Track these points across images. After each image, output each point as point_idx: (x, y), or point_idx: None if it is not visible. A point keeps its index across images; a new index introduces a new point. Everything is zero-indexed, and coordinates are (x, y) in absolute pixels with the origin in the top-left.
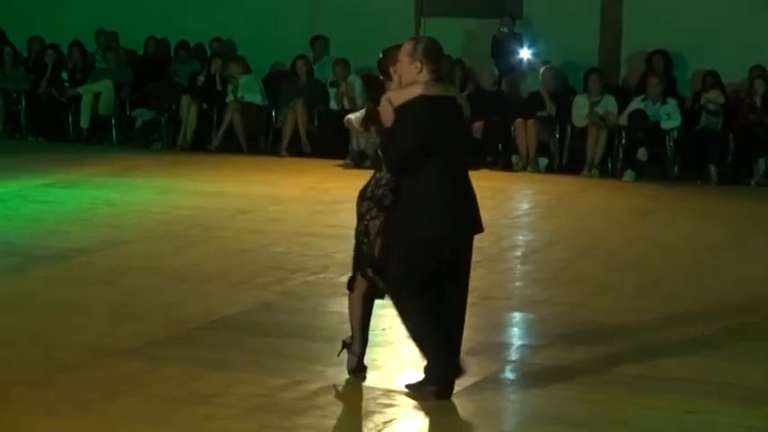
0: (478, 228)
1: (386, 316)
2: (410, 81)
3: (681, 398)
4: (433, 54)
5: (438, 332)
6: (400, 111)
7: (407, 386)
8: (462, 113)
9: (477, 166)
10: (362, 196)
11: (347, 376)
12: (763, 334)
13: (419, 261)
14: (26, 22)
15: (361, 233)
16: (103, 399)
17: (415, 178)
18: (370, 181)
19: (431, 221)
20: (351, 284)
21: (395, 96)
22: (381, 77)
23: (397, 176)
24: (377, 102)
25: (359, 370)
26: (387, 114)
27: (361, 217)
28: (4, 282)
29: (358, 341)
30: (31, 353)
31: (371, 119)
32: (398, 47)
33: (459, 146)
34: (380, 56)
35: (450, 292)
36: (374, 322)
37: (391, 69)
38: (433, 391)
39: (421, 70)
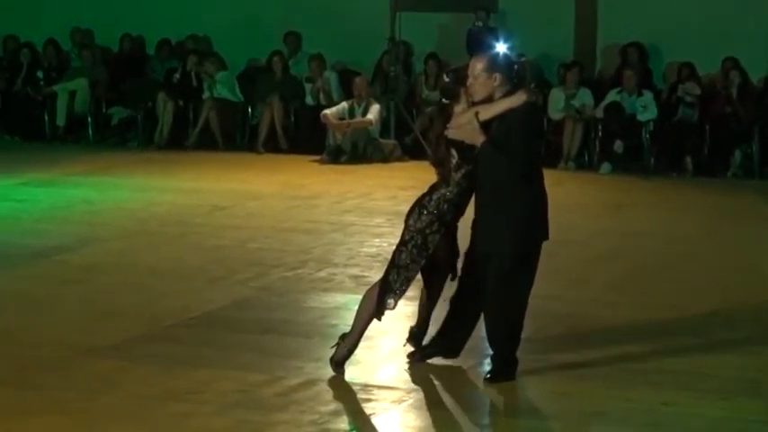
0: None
1: None
2: (487, 95)
3: (656, 389)
4: (505, 64)
5: None
6: (503, 121)
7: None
8: None
9: None
10: (423, 209)
11: (327, 372)
12: (737, 324)
13: (534, 262)
14: (0, 22)
15: (417, 246)
16: (80, 398)
17: (533, 183)
18: (426, 194)
19: (544, 224)
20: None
21: (485, 111)
22: (445, 101)
23: (518, 181)
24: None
25: (342, 363)
26: (472, 129)
27: (419, 231)
28: None
29: (355, 341)
30: (5, 352)
31: (441, 116)
32: (464, 67)
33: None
34: (446, 79)
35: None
36: (353, 317)
37: (462, 91)
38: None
39: (500, 82)
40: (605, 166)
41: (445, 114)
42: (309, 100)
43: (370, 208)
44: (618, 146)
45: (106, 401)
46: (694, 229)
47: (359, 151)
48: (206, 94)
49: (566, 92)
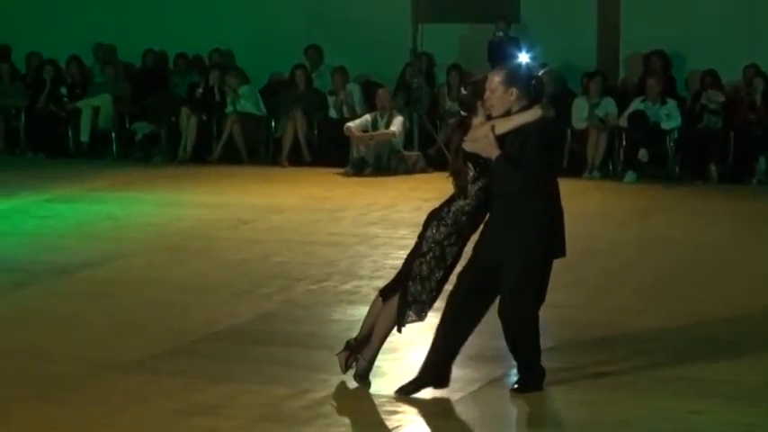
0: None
1: None
2: (504, 109)
3: (683, 398)
4: (523, 78)
5: None
6: (518, 136)
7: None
8: None
9: None
10: (440, 221)
11: (352, 384)
12: (764, 332)
13: (544, 277)
14: (24, 38)
15: (435, 257)
16: (106, 413)
17: (547, 198)
18: (444, 206)
19: (558, 240)
20: (388, 294)
21: (501, 125)
22: (463, 113)
23: (531, 196)
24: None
25: (366, 376)
26: (488, 143)
27: (437, 243)
28: (5, 297)
29: (374, 352)
30: (32, 368)
31: (459, 129)
32: (482, 80)
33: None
34: (464, 92)
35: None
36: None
37: (479, 104)
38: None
39: (518, 97)
40: (630, 175)
41: (463, 127)
42: (332, 113)
43: (394, 220)
44: (642, 154)
45: (132, 416)
46: (720, 236)
47: (382, 163)
48: (229, 109)
49: (589, 101)
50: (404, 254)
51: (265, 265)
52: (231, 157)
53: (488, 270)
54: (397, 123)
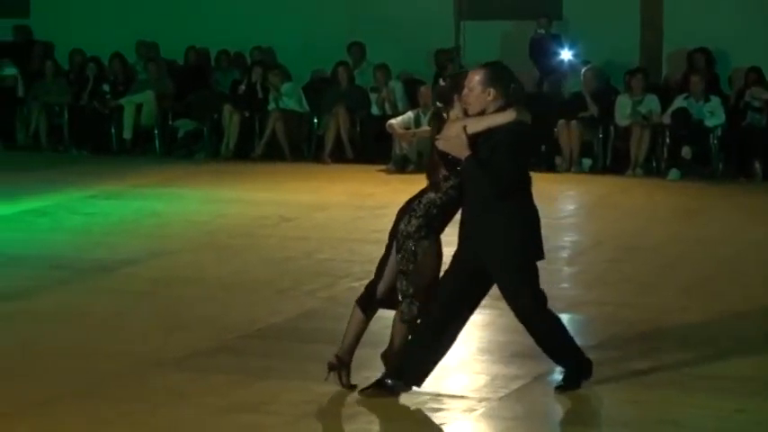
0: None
1: None
2: (480, 108)
3: (730, 396)
4: (503, 79)
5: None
6: (490, 137)
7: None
8: None
9: None
10: (412, 213)
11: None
12: None
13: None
14: (67, 36)
15: (408, 252)
16: (150, 409)
17: (520, 202)
18: (415, 198)
19: (532, 242)
20: (363, 303)
21: (473, 124)
22: (440, 104)
23: (499, 199)
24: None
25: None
26: (459, 143)
27: (408, 236)
28: (51, 294)
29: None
30: (77, 365)
31: (435, 120)
32: (463, 74)
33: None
34: (443, 83)
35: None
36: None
37: (456, 98)
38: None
39: (495, 97)
40: (673, 173)
41: (440, 118)
42: (375, 110)
43: None
44: (686, 152)
45: (176, 414)
46: (764, 233)
47: (425, 160)
48: (271, 106)
49: (632, 98)
50: (447, 251)
51: (308, 262)
52: (274, 155)
53: (468, 271)
54: None
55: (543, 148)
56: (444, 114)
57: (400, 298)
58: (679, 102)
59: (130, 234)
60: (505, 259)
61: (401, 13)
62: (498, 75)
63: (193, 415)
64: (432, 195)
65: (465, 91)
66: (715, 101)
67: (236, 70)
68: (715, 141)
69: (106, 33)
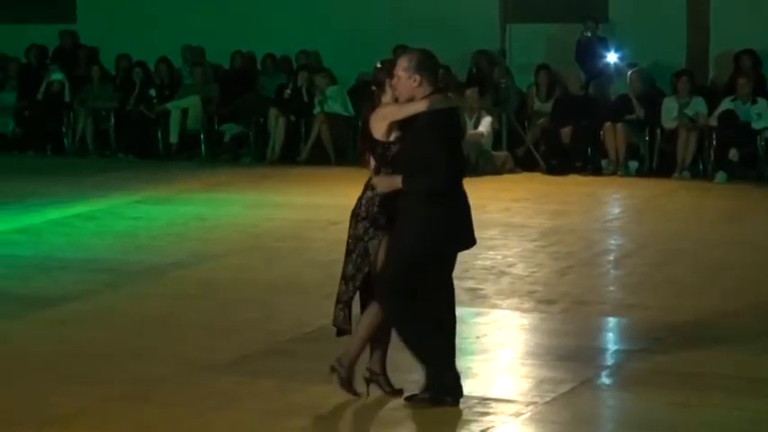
0: (474, 241)
1: (480, 324)
2: (409, 96)
3: None
4: (429, 66)
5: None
6: (408, 127)
7: (408, 399)
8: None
9: (565, 172)
10: (356, 217)
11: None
12: None
13: (425, 271)
14: (113, 41)
15: (360, 255)
16: (199, 413)
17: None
18: (359, 201)
19: (457, 234)
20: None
21: (392, 112)
22: (374, 88)
23: (442, 191)
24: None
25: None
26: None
27: (358, 239)
28: (99, 298)
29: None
30: (126, 368)
31: (368, 103)
32: (396, 61)
33: (462, 157)
34: (378, 66)
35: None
36: (469, 330)
37: (387, 82)
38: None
39: (420, 84)
40: (720, 175)
41: (372, 103)
42: None
43: (483, 220)
44: (733, 154)
45: (225, 417)
46: None
47: (471, 164)
48: (317, 109)
49: (679, 101)
50: (493, 254)
51: None
52: (319, 158)
53: (426, 265)
54: (485, 124)
55: (589, 150)
56: (378, 99)
57: (337, 299)
58: (726, 104)
59: (177, 238)
60: (404, 250)
61: (446, 16)
62: (424, 62)
63: (243, 419)
64: (369, 194)
65: (394, 78)
66: (762, 103)
67: (282, 74)
68: (762, 143)
69: (152, 38)
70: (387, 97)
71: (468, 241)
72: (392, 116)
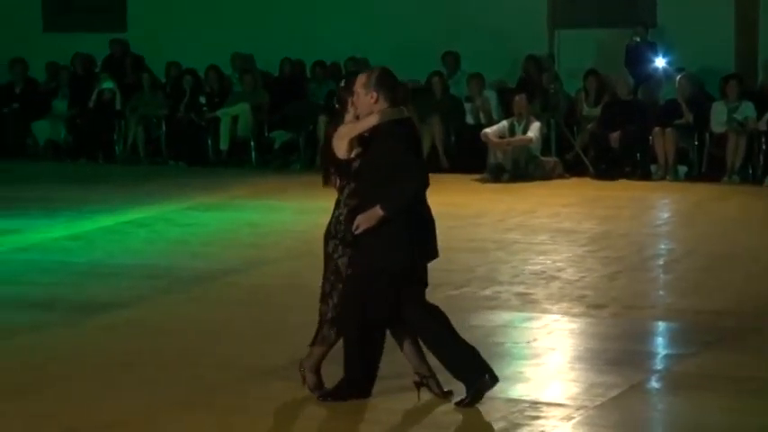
0: (437, 254)
1: (530, 329)
2: (367, 112)
3: None
4: (387, 83)
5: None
6: (367, 141)
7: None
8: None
9: (614, 177)
10: (328, 236)
11: (498, 390)
12: None
13: (394, 287)
14: (163, 49)
15: (332, 272)
16: (252, 419)
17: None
18: (331, 219)
19: (418, 248)
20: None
21: (349, 130)
22: (338, 107)
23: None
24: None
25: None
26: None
27: (329, 257)
28: (151, 304)
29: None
30: (179, 374)
31: (332, 121)
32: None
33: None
34: (341, 85)
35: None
36: (520, 335)
37: (349, 100)
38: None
39: (377, 100)
40: None
41: (335, 120)
42: (469, 119)
43: (532, 226)
44: None
45: (277, 422)
46: None
47: (520, 169)
48: None
49: (727, 105)
50: (543, 259)
51: None
52: None
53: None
54: (534, 129)
55: (638, 155)
56: (341, 118)
57: (319, 321)
58: None
59: (228, 244)
60: (372, 264)
61: (495, 22)
62: (382, 79)
63: (295, 423)
64: (336, 213)
65: (354, 95)
66: None
67: (332, 81)
68: None
69: (202, 46)
70: (349, 115)
71: (431, 254)
72: (349, 133)
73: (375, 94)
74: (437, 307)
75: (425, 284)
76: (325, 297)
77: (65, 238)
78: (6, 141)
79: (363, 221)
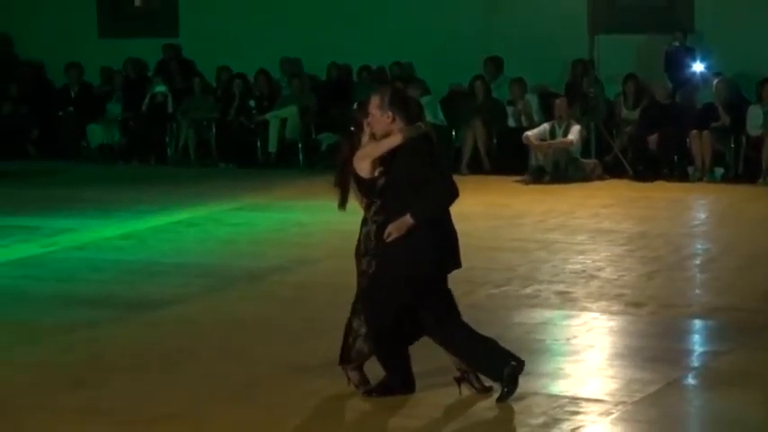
0: (459, 264)
1: (570, 326)
2: (385, 131)
3: None
4: (400, 102)
5: None
6: (390, 159)
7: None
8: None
9: (652, 178)
10: (358, 254)
11: (538, 386)
12: None
13: (419, 290)
14: (214, 53)
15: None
16: (298, 414)
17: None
18: (359, 237)
19: (441, 257)
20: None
21: (372, 150)
22: (353, 128)
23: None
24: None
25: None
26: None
27: (363, 274)
28: (201, 302)
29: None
30: (228, 369)
31: (347, 143)
32: (369, 101)
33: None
34: (355, 108)
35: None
36: (560, 332)
37: (365, 122)
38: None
39: (393, 120)
40: None
41: (351, 141)
42: (511, 122)
43: (573, 226)
44: None
45: (323, 416)
46: None
47: (561, 171)
48: None
49: (763, 108)
50: (583, 259)
51: None
52: None
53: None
54: (574, 132)
55: (676, 158)
56: (357, 139)
57: (351, 337)
58: None
59: (276, 243)
60: (398, 269)
61: (536, 28)
62: (394, 98)
63: (340, 418)
64: (365, 229)
65: (369, 117)
66: None
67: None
68: None
69: (251, 51)
70: (365, 137)
71: (453, 265)
72: (372, 154)
73: (391, 114)
74: (457, 312)
75: (448, 294)
76: (357, 312)
77: (118, 237)
78: (63, 144)
79: (395, 230)
